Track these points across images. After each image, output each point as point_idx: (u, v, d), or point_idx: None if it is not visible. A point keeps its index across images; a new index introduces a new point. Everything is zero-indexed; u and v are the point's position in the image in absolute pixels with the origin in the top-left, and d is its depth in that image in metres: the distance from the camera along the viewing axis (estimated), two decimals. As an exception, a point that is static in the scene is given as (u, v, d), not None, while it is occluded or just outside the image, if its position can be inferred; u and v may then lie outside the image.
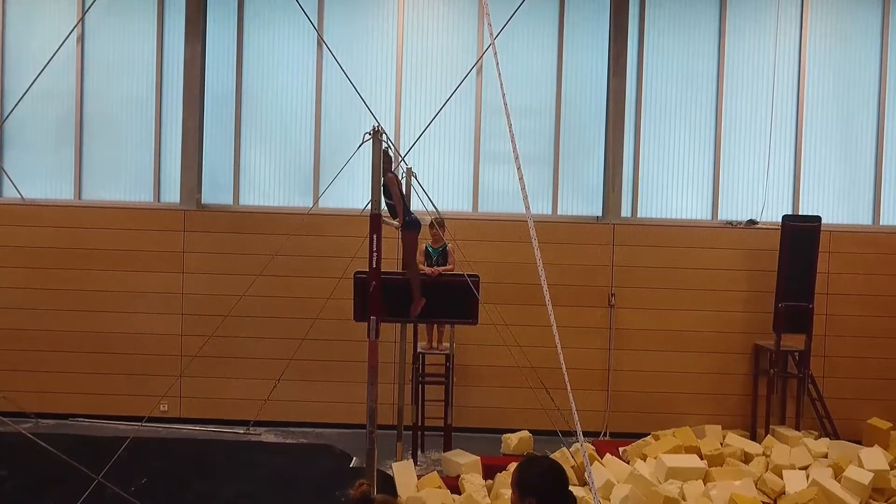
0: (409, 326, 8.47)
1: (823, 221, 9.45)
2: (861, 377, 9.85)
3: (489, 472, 7.61)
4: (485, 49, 9.86)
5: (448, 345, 8.50)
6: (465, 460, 7.81)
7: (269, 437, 9.48)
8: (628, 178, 10.13)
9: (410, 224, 7.38)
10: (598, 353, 9.89)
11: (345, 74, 7.56)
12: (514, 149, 4.57)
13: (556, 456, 7.26)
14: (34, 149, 10.16)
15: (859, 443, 8.73)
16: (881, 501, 7.28)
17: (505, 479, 6.90)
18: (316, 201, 9.48)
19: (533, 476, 2.91)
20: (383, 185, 6.54)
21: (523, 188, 4.46)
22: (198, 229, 9.93)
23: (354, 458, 8.54)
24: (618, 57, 9.95)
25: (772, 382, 9.42)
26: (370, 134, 6.11)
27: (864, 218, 10.20)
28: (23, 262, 9.87)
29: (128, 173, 10.19)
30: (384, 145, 6.36)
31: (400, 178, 7.78)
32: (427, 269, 7.89)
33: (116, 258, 9.87)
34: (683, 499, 6.99)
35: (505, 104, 4.71)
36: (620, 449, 8.55)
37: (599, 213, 10.12)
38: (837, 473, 7.47)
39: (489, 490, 7.15)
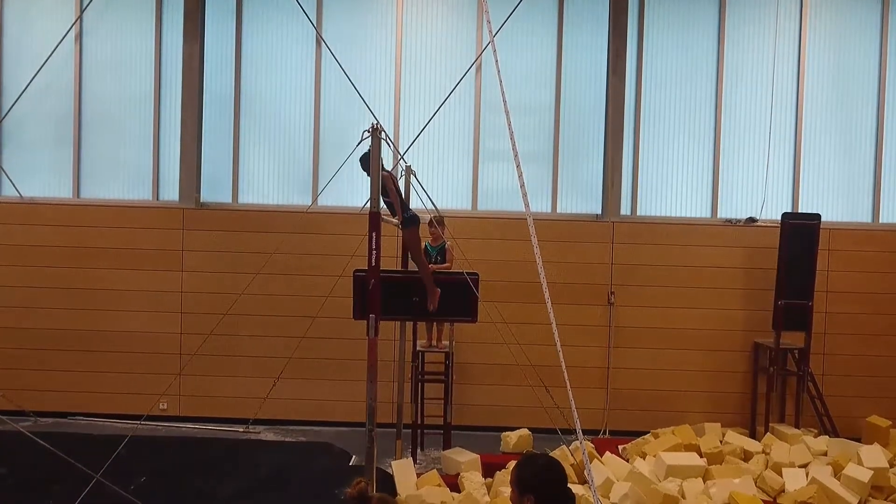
0: (409, 324, 8.47)
1: (823, 219, 9.46)
2: (860, 375, 9.85)
3: (489, 471, 7.60)
4: (484, 47, 9.85)
5: (448, 343, 8.49)
6: (464, 458, 7.80)
7: (268, 435, 9.48)
8: (628, 175, 10.13)
9: (409, 221, 7.37)
10: (598, 351, 9.89)
11: (343, 72, 7.56)
12: (514, 146, 4.57)
13: (555, 454, 7.26)
14: (32, 147, 10.14)
15: (859, 440, 8.73)
16: (881, 499, 7.28)
17: (504, 477, 6.89)
18: (315, 199, 9.47)
19: (531, 474, 2.91)
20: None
21: (523, 186, 4.45)
22: (197, 227, 9.92)
23: (354, 457, 8.54)
24: (617, 55, 9.94)
25: (771, 380, 9.42)
26: (369, 132, 6.10)
27: (863, 216, 10.20)
28: (21, 260, 9.86)
29: (126, 171, 10.18)
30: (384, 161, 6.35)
31: (395, 176, 7.75)
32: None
33: (115, 256, 9.86)
34: (683, 497, 6.99)
35: (504, 102, 4.70)
36: (620, 447, 8.55)
37: (599, 211, 10.12)
38: (837, 471, 7.47)
39: (489, 488, 7.15)
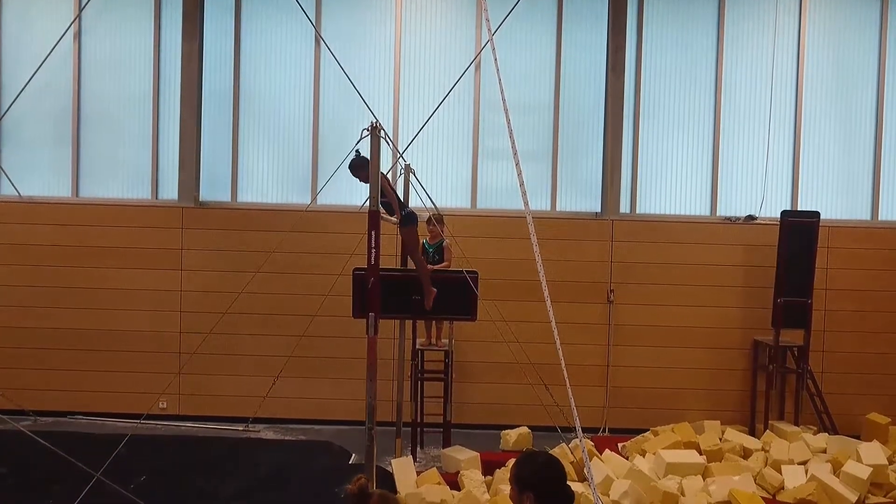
0: (408, 323, 8.47)
1: (822, 217, 9.46)
2: (860, 372, 9.86)
3: (488, 469, 7.60)
4: (483, 45, 9.84)
5: (447, 341, 8.49)
6: (464, 456, 7.81)
7: (267, 434, 9.48)
8: (627, 173, 10.13)
9: (407, 219, 7.36)
10: (597, 349, 9.89)
11: (342, 71, 7.55)
12: (513, 145, 4.57)
13: (555, 452, 7.26)
14: (31, 146, 10.14)
15: (858, 438, 8.73)
16: (880, 496, 7.29)
17: (504, 475, 6.89)
18: (314, 198, 9.47)
19: (531, 471, 2.91)
20: None
21: (522, 184, 4.46)
22: (196, 226, 9.92)
23: (353, 455, 8.55)
24: (616, 52, 9.94)
25: (770, 378, 9.43)
26: (368, 130, 6.09)
27: (862, 213, 10.20)
28: (20, 259, 9.85)
29: (125, 170, 10.17)
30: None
31: (387, 175, 7.73)
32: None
33: (114, 255, 9.86)
34: (682, 494, 6.99)
35: (503, 100, 4.70)
36: (619, 445, 8.55)
37: (598, 209, 10.12)
38: (836, 468, 7.47)
39: (488, 486, 7.15)
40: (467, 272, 7.35)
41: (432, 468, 7.73)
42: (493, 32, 5.12)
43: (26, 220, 9.89)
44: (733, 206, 10.15)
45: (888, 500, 7.27)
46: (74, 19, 9.73)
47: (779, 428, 8.97)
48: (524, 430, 8.88)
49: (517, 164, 4.58)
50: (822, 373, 9.78)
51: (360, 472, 3.30)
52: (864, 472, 7.19)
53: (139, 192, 10.16)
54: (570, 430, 5.95)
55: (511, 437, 8.79)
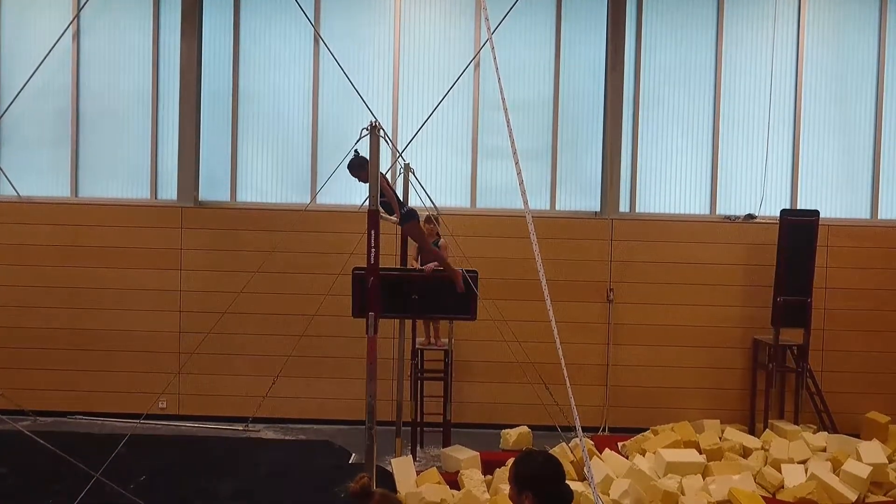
0: (408, 322, 8.46)
1: (822, 215, 9.45)
2: (859, 371, 9.86)
3: (488, 468, 7.60)
4: (482, 43, 9.84)
5: (446, 340, 8.49)
6: (464, 456, 7.80)
7: (267, 433, 9.48)
8: (626, 172, 10.12)
9: (407, 216, 7.35)
10: (597, 348, 9.89)
11: (342, 70, 7.56)
12: (513, 144, 4.57)
13: (555, 451, 7.27)
14: (30, 146, 10.12)
15: (858, 436, 8.74)
16: (879, 495, 7.29)
17: (504, 474, 6.89)
18: (313, 198, 9.47)
19: (530, 471, 2.91)
20: None
21: (521, 183, 4.45)
22: (195, 226, 9.91)
23: (353, 455, 8.55)
24: (616, 51, 9.93)
25: (770, 377, 9.43)
26: (367, 129, 6.09)
27: (862, 212, 10.20)
28: (19, 259, 9.85)
29: (124, 170, 10.16)
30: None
31: (385, 175, 7.72)
32: (423, 268, 7.85)
33: (113, 255, 9.85)
34: (682, 493, 6.99)
35: (503, 99, 4.70)
36: (619, 444, 8.55)
37: (598, 208, 10.11)
38: (836, 467, 7.48)
39: (488, 485, 7.15)
40: (467, 271, 7.35)
41: (432, 468, 7.73)
42: (492, 31, 5.12)
43: (25, 220, 9.89)
44: (733, 204, 10.14)
45: (888, 498, 7.28)
46: (73, 19, 9.73)
47: (778, 427, 8.97)
48: (524, 429, 8.89)
49: (517, 163, 4.57)
50: (822, 371, 9.78)
51: (360, 472, 3.30)
52: (863, 471, 7.19)
53: (138, 191, 10.15)
54: (570, 429, 5.95)
55: (511, 436, 8.79)
